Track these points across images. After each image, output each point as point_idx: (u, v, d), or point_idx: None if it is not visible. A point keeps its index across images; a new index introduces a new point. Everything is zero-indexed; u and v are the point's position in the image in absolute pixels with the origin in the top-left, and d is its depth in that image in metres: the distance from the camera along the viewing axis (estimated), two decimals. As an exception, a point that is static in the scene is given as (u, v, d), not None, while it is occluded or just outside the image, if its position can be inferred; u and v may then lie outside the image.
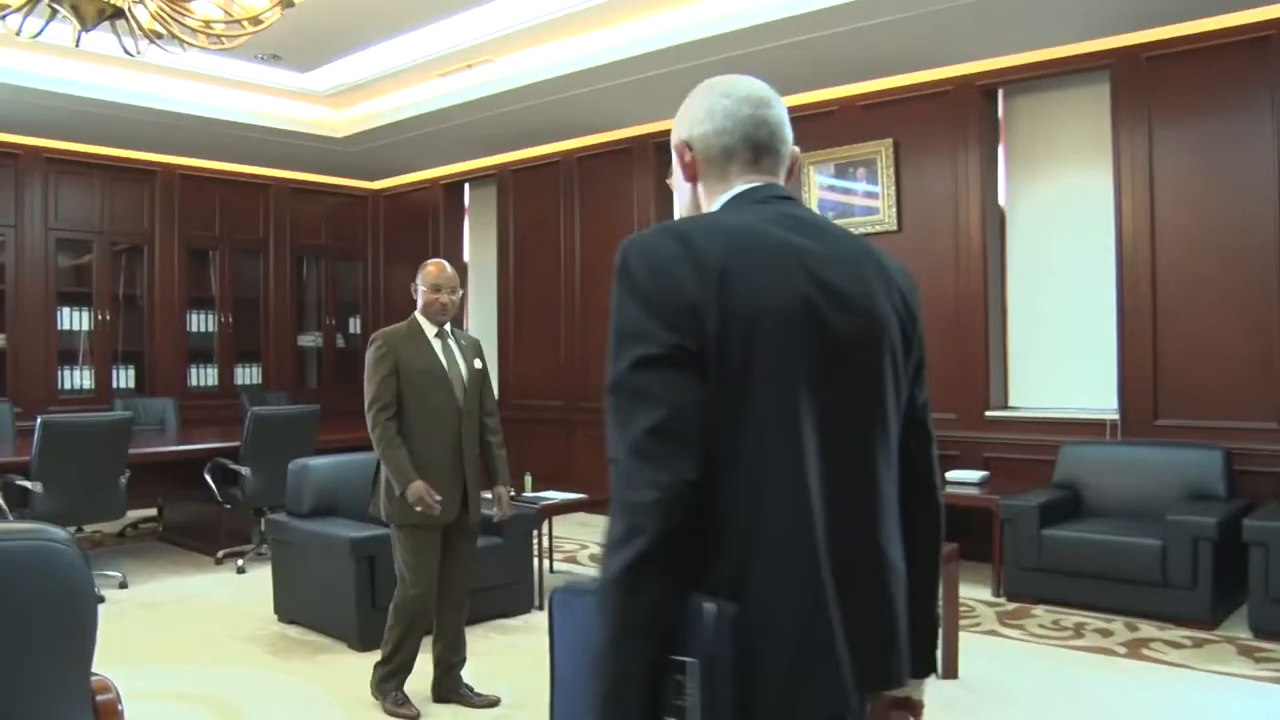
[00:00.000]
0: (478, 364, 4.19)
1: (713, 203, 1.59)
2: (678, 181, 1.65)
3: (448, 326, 4.16)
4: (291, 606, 5.24)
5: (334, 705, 4.09)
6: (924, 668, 1.66)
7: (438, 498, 3.89)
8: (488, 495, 4.24)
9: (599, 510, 6.75)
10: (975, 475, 6.13)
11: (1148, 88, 5.88)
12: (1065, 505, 5.65)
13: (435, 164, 9.84)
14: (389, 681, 4.02)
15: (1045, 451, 6.14)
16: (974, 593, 5.60)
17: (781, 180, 1.60)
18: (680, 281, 1.37)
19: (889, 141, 6.90)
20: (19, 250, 8.38)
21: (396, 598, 4.02)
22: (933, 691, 3.96)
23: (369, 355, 4.03)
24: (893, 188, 6.91)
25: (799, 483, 1.39)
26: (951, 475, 6.16)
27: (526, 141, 8.84)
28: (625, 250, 1.44)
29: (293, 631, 5.13)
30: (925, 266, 6.76)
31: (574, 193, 8.83)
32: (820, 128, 7.24)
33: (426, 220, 10.18)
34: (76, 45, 4.50)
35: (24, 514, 5.75)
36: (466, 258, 10.12)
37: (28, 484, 5.71)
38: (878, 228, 6.97)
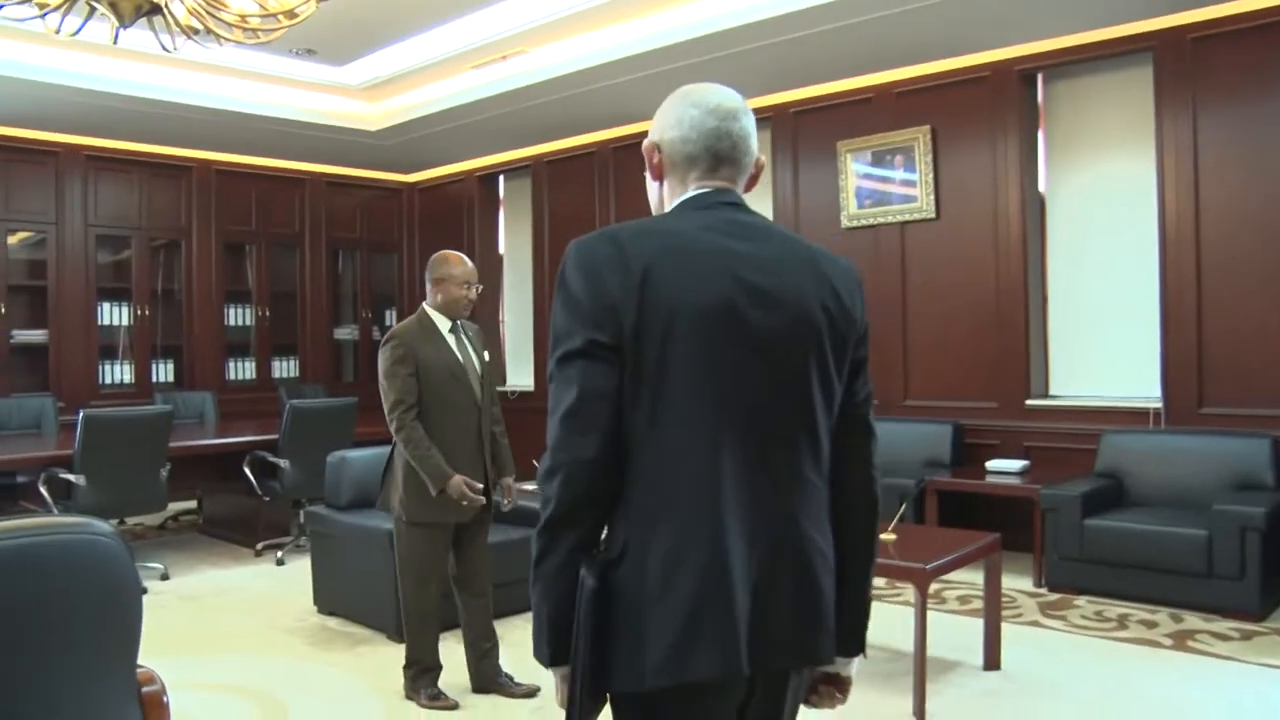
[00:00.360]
0: (486, 355, 4.17)
1: (672, 202, 1.75)
2: (648, 179, 1.82)
3: (460, 321, 4.09)
4: (331, 598, 5.27)
5: (374, 696, 4.11)
6: (853, 647, 1.77)
7: (479, 485, 3.89)
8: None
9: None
10: (1016, 465, 6.06)
11: (1192, 70, 5.77)
12: (1108, 494, 5.57)
13: (470, 156, 9.85)
14: (419, 680, 4.04)
15: (1087, 440, 6.06)
16: (1015, 583, 5.54)
17: (740, 187, 1.75)
18: (606, 284, 1.56)
19: (927, 128, 6.82)
20: (60, 247, 8.48)
21: (402, 601, 4.05)
22: (975, 682, 3.94)
23: (385, 355, 3.93)
24: (931, 175, 6.83)
25: (707, 468, 1.56)
26: (992, 465, 6.11)
27: (561, 132, 8.83)
28: (567, 254, 1.62)
29: (332, 623, 5.16)
30: (964, 254, 6.70)
31: (609, 183, 8.80)
32: (857, 115, 7.18)
33: (461, 213, 10.20)
34: (114, 42, 4.53)
35: (67, 507, 5.81)
36: (501, 249, 10.13)
37: (71, 477, 5.77)
38: (916, 216, 6.91)
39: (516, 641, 4.48)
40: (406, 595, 4.03)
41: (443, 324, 4.03)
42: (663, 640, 1.53)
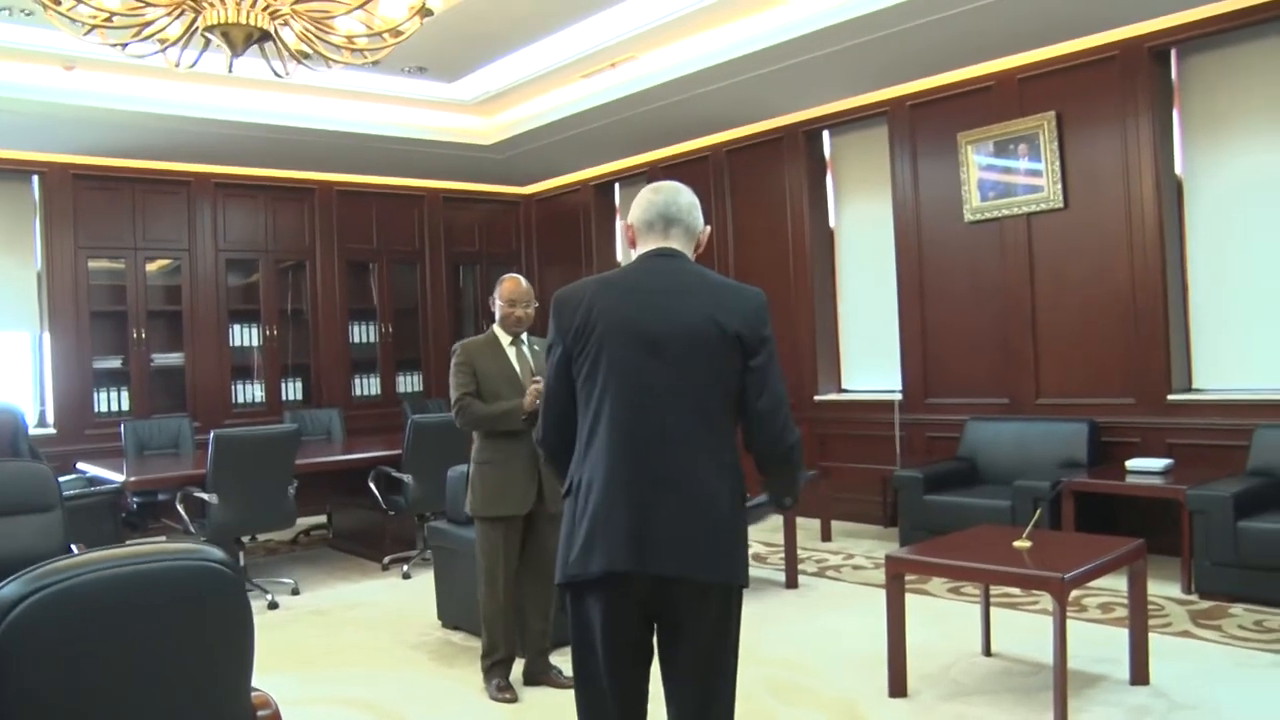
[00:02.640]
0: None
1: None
2: (626, 244, 2.70)
3: (523, 336, 4.45)
4: (454, 612, 5.28)
5: (496, 712, 4.09)
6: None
7: (536, 382, 4.12)
8: None
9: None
10: (1158, 464, 5.72)
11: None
12: (1264, 494, 5.20)
13: (584, 165, 9.88)
14: (491, 671, 4.27)
15: (1237, 436, 5.70)
16: (1161, 590, 5.24)
17: (689, 247, 2.52)
18: (570, 311, 2.43)
19: (1051, 115, 6.52)
20: (193, 272, 8.80)
21: (480, 595, 4.31)
22: (1122, 698, 3.71)
23: (452, 362, 4.42)
24: (1057, 163, 6.53)
25: (612, 427, 2.34)
26: (1132, 464, 5.78)
27: (674, 137, 8.76)
28: (556, 295, 2.49)
29: (456, 637, 5.17)
30: (1095, 244, 6.40)
31: (724, 186, 8.70)
32: (976, 104, 6.93)
33: (578, 222, 10.22)
34: (230, 70, 4.63)
35: (202, 524, 5.98)
36: (619, 257, 10.11)
37: (204, 496, 5.94)
38: (1042, 206, 6.62)
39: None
40: (481, 589, 4.31)
41: (504, 338, 4.44)
42: (574, 547, 2.35)
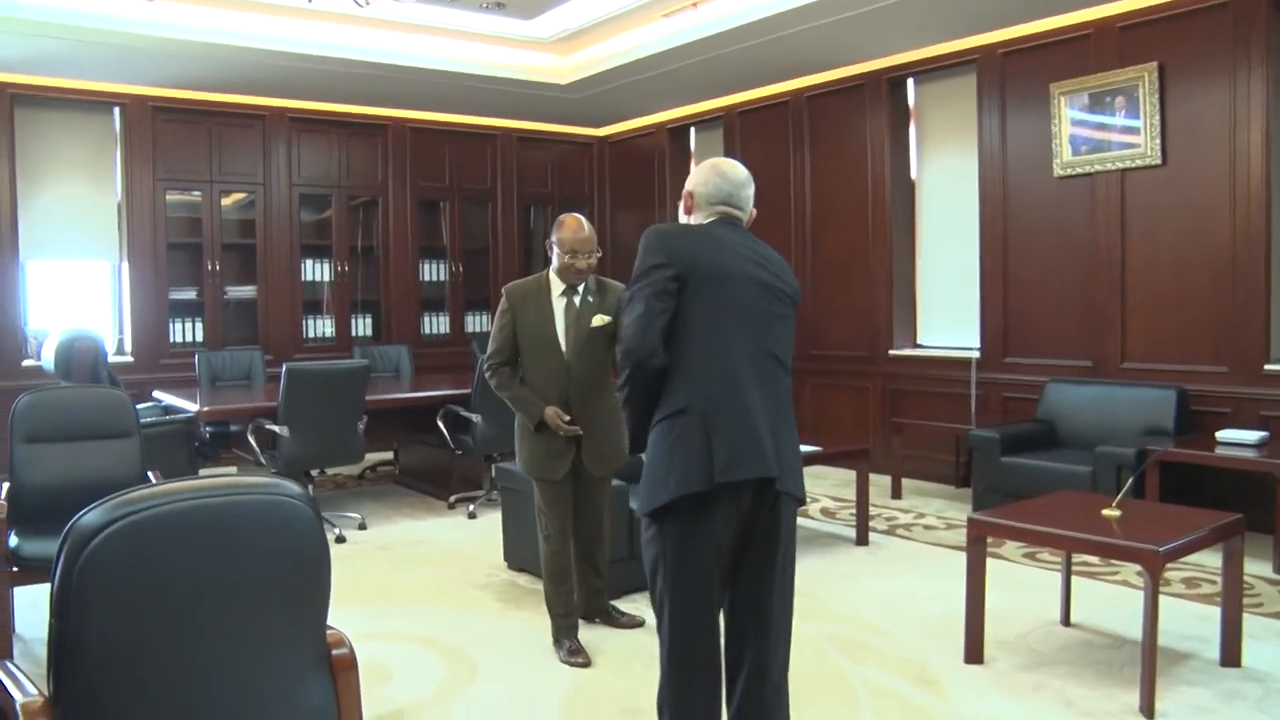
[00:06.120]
0: (598, 320, 4.03)
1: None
2: (680, 210, 2.87)
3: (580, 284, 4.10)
4: (521, 554, 5.26)
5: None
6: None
7: (566, 417, 3.99)
8: None
9: (835, 463, 6.49)
10: (1252, 436, 5.49)
11: None
12: (1364, 472, 4.98)
13: (660, 108, 9.70)
14: (560, 632, 4.14)
15: (1338, 410, 5.45)
16: (1254, 569, 5.00)
17: (743, 218, 2.80)
18: (685, 244, 2.64)
19: (1153, 66, 6.22)
20: (267, 206, 8.83)
21: (541, 555, 4.18)
22: (1213, 681, 3.57)
23: (499, 308, 4.15)
24: (1157, 117, 6.24)
25: (737, 354, 2.58)
26: (1223, 435, 5.56)
27: (754, 81, 8.55)
28: (658, 229, 2.70)
29: (522, 579, 5.16)
30: (1193, 203, 6.13)
31: (804, 133, 8.48)
32: (1072, 53, 6.64)
33: (652, 166, 10.07)
34: (310, 1, 4.55)
35: (272, 456, 6.02)
36: (686, 201, 9.96)
37: (275, 428, 5.97)
38: (1137, 163, 6.35)
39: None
40: (543, 548, 4.17)
41: (556, 287, 4.10)
42: (712, 457, 2.50)
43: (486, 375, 4.19)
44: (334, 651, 2.12)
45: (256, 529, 1.91)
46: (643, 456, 2.69)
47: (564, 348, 4.05)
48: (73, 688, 1.77)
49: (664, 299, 2.55)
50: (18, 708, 1.84)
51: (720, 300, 2.58)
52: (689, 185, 2.80)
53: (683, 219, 2.84)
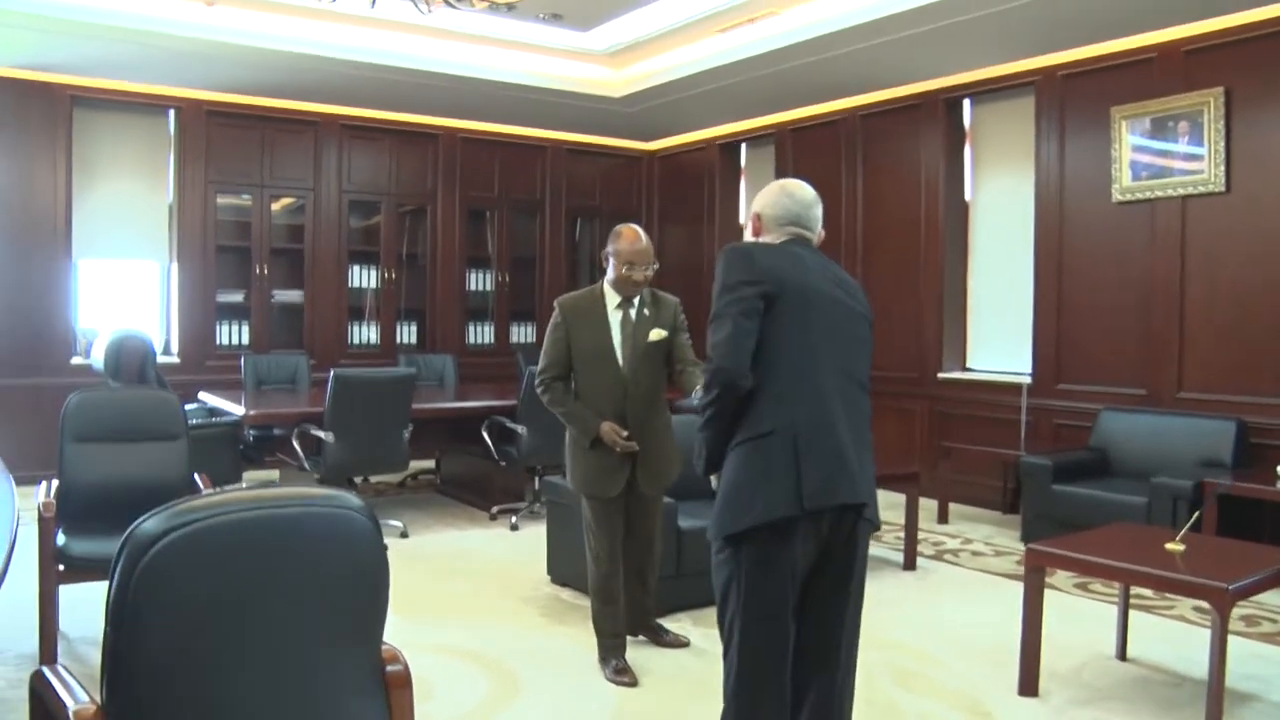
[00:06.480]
0: (655, 335, 3.96)
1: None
2: (748, 232, 2.85)
3: (636, 296, 4.00)
4: (564, 569, 5.21)
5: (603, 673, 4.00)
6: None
7: (624, 433, 3.88)
8: None
9: (883, 485, 6.37)
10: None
11: None
12: None
13: (711, 124, 9.65)
14: (607, 651, 4.05)
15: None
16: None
17: (814, 239, 2.76)
18: (768, 262, 2.58)
19: (1219, 91, 6.10)
20: (316, 212, 8.87)
21: (589, 574, 4.09)
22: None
23: (550, 322, 4.05)
24: (1222, 144, 6.11)
25: (826, 378, 2.55)
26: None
27: (807, 99, 8.49)
28: (737, 246, 2.67)
29: (565, 594, 5.11)
30: (1258, 232, 6.00)
31: (856, 153, 8.41)
32: (1134, 77, 6.53)
33: (702, 182, 10.02)
34: (372, 5, 4.56)
35: (316, 462, 6.02)
36: (742, 220, 9.89)
37: (321, 434, 5.96)
38: (1200, 189, 6.22)
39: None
40: (591, 570, 4.08)
41: (611, 299, 4.00)
42: (806, 481, 2.45)
43: (538, 390, 4.05)
44: (388, 668, 2.09)
45: (317, 542, 1.88)
46: (712, 479, 2.64)
47: (621, 362, 3.96)
48: (126, 697, 1.75)
49: (752, 317, 2.49)
50: (70, 715, 1.82)
51: (807, 321, 2.54)
52: (756, 207, 2.80)
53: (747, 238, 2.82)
